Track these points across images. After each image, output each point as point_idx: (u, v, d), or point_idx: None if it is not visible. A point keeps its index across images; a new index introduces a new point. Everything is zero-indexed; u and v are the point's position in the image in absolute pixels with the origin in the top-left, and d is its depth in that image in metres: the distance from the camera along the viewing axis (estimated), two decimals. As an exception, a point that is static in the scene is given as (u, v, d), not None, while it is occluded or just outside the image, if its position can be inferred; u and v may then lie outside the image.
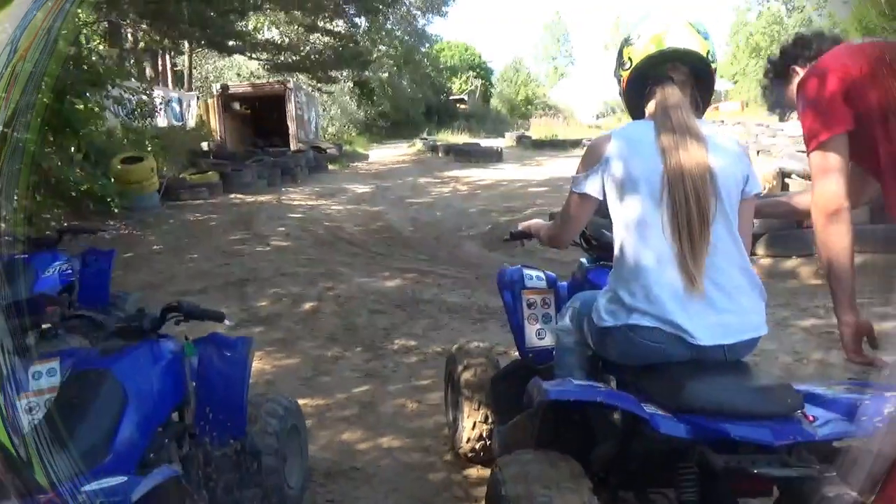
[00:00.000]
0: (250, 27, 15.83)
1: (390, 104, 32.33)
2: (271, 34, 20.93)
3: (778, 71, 2.14)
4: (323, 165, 16.88)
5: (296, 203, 11.32)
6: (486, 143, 22.23)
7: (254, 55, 15.04)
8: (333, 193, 12.68)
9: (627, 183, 1.72)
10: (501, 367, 2.81)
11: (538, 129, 30.08)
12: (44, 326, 2.27)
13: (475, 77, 42.16)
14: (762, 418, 1.54)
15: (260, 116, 21.00)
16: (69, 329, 2.53)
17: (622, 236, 1.76)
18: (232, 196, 11.46)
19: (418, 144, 24.00)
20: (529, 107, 44.05)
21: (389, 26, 30.46)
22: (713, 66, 1.82)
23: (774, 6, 40.90)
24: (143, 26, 9.51)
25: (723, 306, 1.66)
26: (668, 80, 1.78)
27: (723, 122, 29.58)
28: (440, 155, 20.54)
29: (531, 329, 2.57)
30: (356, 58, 16.52)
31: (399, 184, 14.33)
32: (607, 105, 43.94)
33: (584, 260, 2.67)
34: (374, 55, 23.01)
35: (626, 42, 1.85)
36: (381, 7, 18.22)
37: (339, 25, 20.28)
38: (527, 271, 2.67)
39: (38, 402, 1.80)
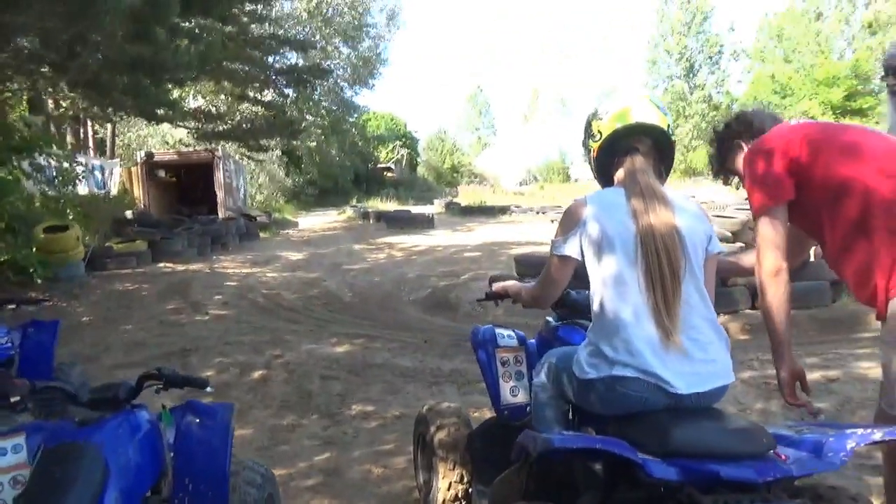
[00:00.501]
0: (175, 95, 15.76)
1: (318, 172, 32.50)
2: (197, 103, 20.92)
3: (723, 143, 2.42)
4: (254, 233, 16.68)
5: (230, 271, 11.09)
6: (415, 209, 22.59)
7: (183, 124, 14.90)
8: (267, 261, 12.52)
9: (604, 243, 1.88)
10: (476, 426, 2.86)
11: (466, 195, 30.90)
12: (13, 400, 2.18)
13: (401, 146, 43.05)
14: (742, 458, 1.68)
15: (186, 184, 20.67)
16: (41, 403, 2.42)
17: (601, 293, 1.90)
18: (161, 265, 11.12)
19: (349, 211, 24.12)
20: (456, 175, 45.23)
21: (317, 97, 31.00)
22: (672, 138, 2.06)
23: (678, 84, 44.20)
24: (72, 94, 9.32)
25: (696, 357, 1.81)
26: (634, 150, 1.99)
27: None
28: (371, 222, 20.70)
29: (505, 386, 2.66)
30: (288, 127, 16.66)
31: (333, 250, 14.31)
32: (530, 173, 45.76)
33: (550, 319, 2.81)
34: (304, 124, 23.25)
35: (595, 116, 2.06)
36: (311, 80, 18.56)
37: (268, 95, 20.52)
38: (498, 330, 2.78)
39: (2, 481, 1.73)
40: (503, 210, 22.20)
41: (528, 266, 8.50)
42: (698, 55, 44.03)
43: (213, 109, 19.44)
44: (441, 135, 50.53)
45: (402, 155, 42.79)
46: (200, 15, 8.57)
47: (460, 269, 11.15)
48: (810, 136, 2.10)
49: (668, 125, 2.02)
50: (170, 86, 9.79)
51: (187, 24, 8.67)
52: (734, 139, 2.36)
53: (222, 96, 20.79)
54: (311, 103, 30.15)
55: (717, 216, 12.00)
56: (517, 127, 66.68)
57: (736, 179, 2.48)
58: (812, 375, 4.45)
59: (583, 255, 1.94)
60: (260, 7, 13.03)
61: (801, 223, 2.18)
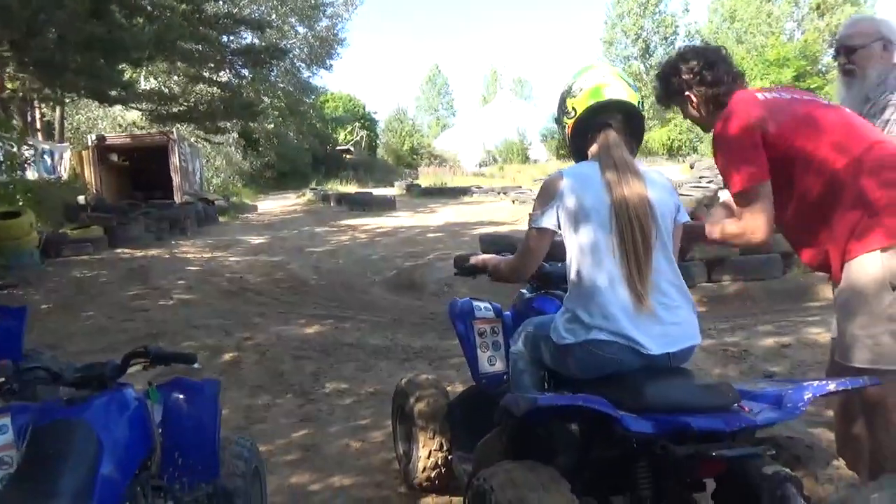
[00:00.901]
0: (128, 76, 15.32)
1: (276, 155, 31.95)
2: (149, 84, 20.35)
3: (669, 86, 2.41)
4: (212, 217, 16.42)
5: (190, 256, 10.93)
6: (377, 192, 22.50)
7: (137, 105, 14.51)
8: (228, 245, 12.37)
9: (580, 214, 1.98)
10: (458, 395, 2.95)
11: (427, 177, 30.85)
12: (-1, 381, 2.17)
13: (360, 128, 42.63)
14: (710, 411, 1.81)
15: (139, 168, 20.14)
16: (24, 384, 2.42)
17: (577, 262, 2.00)
18: (119, 251, 10.88)
19: (308, 194, 23.86)
20: (415, 157, 45.04)
21: (273, 78, 30.43)
22: (642, 113, 2.15)
23: (634, 64, 44.79)
24: (22, 75, 8.99)
25: (666, 319, 1.93)
26: (607, 126, 2.08)
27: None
28: (332, 204, 20.55)
29: (483, 356, 2.76)
30: (246, 108, 16.36)
31: (295, 234, 14.21)
32: (489, 154, 45.86)
33: (524, 291, 2.91)
34: (261, 106, 22.85)
35: (569, 93, 2.13)
36: (268, 60, 18.22)
37: (224, 76, 20.07)
38: (475, 303, 2.87)
39: (-8, 461, 1.74)
40: (464, 191, 22.26)
41: (492, 245, 8.62)
42: (654, 36, 44.67)
43: (167, 91, 18.97)
44: (400, 116, 50.24)
45: (361, 136, 42.38)
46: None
47: (424, 250, 11.23)
48: (778, 107, 2.21)
49: (639, 101, 2.12)
50: (124, 66, 9.51)
51: (143, 1, 8.44)
52: (684, 91, 2.36)
53: (175, 77, 20.29)
54: (267, 84, 29.61)
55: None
56: (476, 108, 66.71)
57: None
58: (766, 342, 4.71)
59: (559, 227, 2.04)
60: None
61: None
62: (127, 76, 12.54)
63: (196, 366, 2.32)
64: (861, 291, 2.06)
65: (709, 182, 11.34)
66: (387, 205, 19.03)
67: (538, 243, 2.13)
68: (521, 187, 22.02)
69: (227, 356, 5.17)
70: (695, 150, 38.23)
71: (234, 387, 4.56)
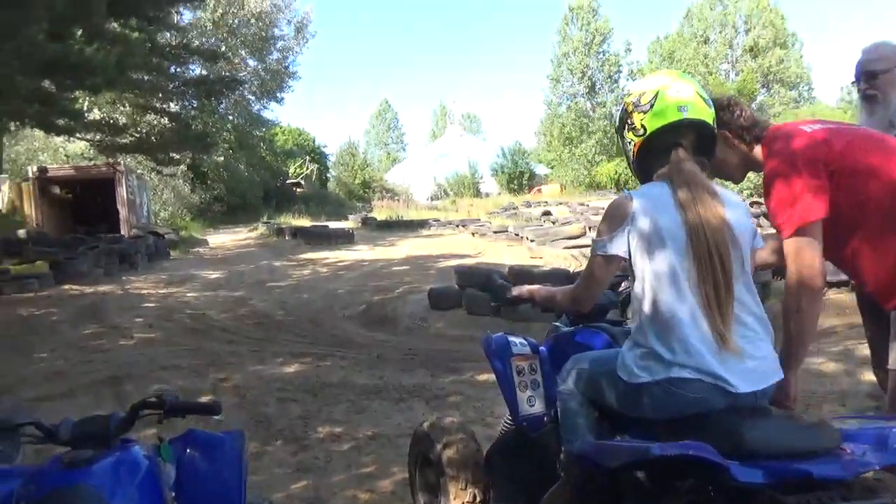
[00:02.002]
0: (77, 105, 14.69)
1: (226, 188, 31.21)
2: (92, 115, 19.61)
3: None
4: (163, 252, 15.75)
5: (145, 292, 10.36)
6: (333, 225, 22.14)
7: (83, 136, 13.88)
8: (184, 280, 11.82)
9: (655, 238, 1.79)
10: (496, 441, 2.72)
11: (381, 211, 30.63)
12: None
13: (311, 161, 42.20)
14: (816, 456, 1.64)
15: (82, 202, 19.28)
16: (10, 443, 2.06)
17: (653, 291, 1.81)
18: (67, 287, 10.24)
19: (261, 228, 23.29)
20: (367, 190, 44.81)
21: (223, 110, 29.89)
22: (716, 131, 1.99)
23: (581, 101, 46.03)
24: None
25: (750, 354, 1.76)
26: (678, 146, 1.92)
27: (547, 202, 32.40)
28: (287, 238, 20.06)
29: (523, 397, 2.54)
30: (200, 140, 15.88)
31: (253, 268, 13.72)
32: (440, 188, 46.04)
33: (559, 324, 2.72)
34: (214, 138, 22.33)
35: (637, 106, 1.93)
36: (222, 91, 17.85)
37: (174, 107, 19.52)
38: (511, 338, 2.66)
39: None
40: (422, 224, 22.12)
41: (468, 278, 8.46)
42: (599, 74, 46.04)
43: (114, 121, 18.27)
44: (351, 149, 49.94)
45: (312, 170, 41.93)
46: (130, 14, 7.98)
47: (392, 284, 10.97)
48: (835, 133, 2.12)
49: (713, 118, 1.96)
50: (77, 94, 9.05)
51: (109, 26, 8.05)
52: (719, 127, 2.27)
53: (122, 107, 19.61)
54: (216, 116, 29.06)
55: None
56: (426, 142, 67.19)
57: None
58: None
59: (630, 253, 1.86)
60: (175, 12, 12.33)
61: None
62: (77, 105, 11.99)
63: (219, 417, 2.03)
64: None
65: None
66: (345, 238, 18.69)
67: (604, 271, 1.95)
68: (479, 220, 22.03)
69: (202, 399, 4.77)
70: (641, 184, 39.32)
71: (213, 427, 4.18)
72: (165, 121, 17.97)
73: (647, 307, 1.84)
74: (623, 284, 2.58)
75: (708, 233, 1.76)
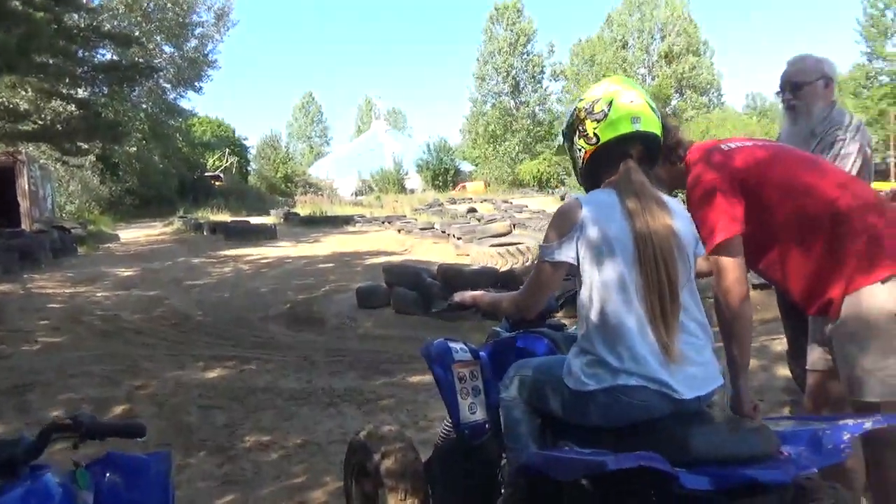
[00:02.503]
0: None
1: (138, 180, 29.73)
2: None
3: None
4: (70, 248, 14.80)
5: (50, 291, 9.69)
6: (254, 220, 21.48)
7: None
8: (93, 279, 11.13)
9: (604, 247, 1.79)
10: (435, 449, 2.65)
11: (305, 206, 30.02)
12: None
13: (231, 154, 40.82)
14: (757, 460, 1.68)
15: (-23, 193, 17.89)
16: None
17: (600, 299, 1.80)
18: (-41, 286, 9.44)
19: (177, 223, 22.32)
20: (290, 185, 43.79)
21: (135, 97, 28.42)
22: (661, 141, 2.01)
23: (505, 100, 46.68)
24: None
25: (694, 360, 1.79)
26: (628, 156, 1.92)
27: (472, 199, 32.68)
28: (206, 233, 19.32)
29: (464, 404, 2.49)
30: (111, 129, 14.99)
31: (169, 265, 13.10)
32: (365, 183, 45.61)
33: (499, 328, 2.70)
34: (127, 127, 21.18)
35: (590, 113, 1.91)
36: (136, 77, 16.95)
37: (82, 93, 18.37)
38: (451, 344, 2.60)
39: None
40: (347, 220, 21.81)
41: (397, 276, 8.37)
42: (523, 74, 46.85)
43: (14, 106, 17.00)
44: (273, 142, 48.64)
45: (232, 163, 40.59)
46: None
47: (317, 282, 10.73)
48: (757, 158, 2.21)
49: (661, 129, 1.97)
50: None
51: (10, 3, 7.40)
52: None
53: (23, 92, 18.27)
54: (128, 104, 27.60)
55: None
56: (350, 137, 66.37)
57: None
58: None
59: (577, 260, 1.85)
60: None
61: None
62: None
63: (142, 439, 1.86)
64: (870, 324, 2.05)
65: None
66: (267, 234, 18.17)
67: (552, 278, 1.93)
68: (405, 216, 21.94)
69: (117, 409, 4.48)
70: (562, 182, 40.32)
71: (133, 445, 3.92)
72: (72, 108, 16.87)
73: (594, 315, 1.83)
74: (563, 288, 2.57)
75: (655, 242, 1.77)
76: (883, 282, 2.03)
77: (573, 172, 2.12)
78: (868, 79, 30.79)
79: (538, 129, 45.75)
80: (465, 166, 48.97)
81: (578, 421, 1.93)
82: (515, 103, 46.86)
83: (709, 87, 48.09)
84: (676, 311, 1.77)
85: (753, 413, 2.03)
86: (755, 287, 6.07)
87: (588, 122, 1.92)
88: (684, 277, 1.82)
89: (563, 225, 1.86)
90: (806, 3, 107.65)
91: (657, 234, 1.78)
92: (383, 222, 20.74)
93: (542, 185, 41.23)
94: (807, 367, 2.54)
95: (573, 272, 1.93)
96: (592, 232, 1.81)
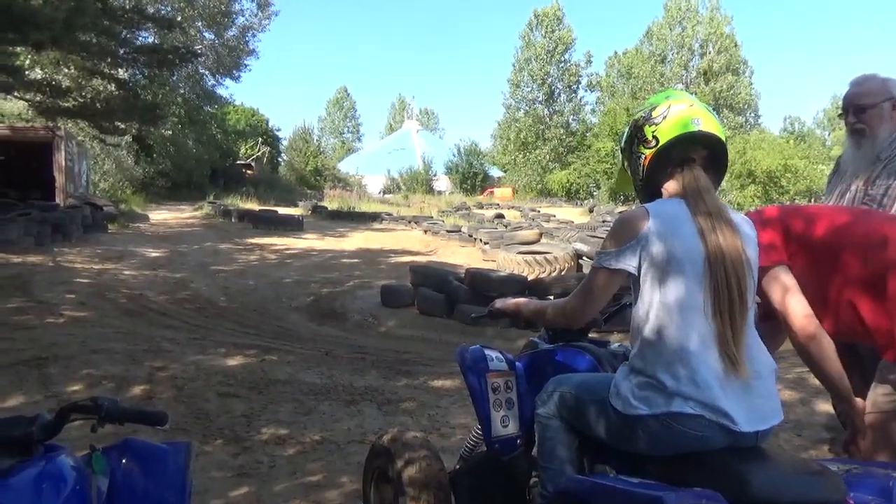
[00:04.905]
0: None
1: (172, 163, 30.05)
2: (34, 74, 18.49)
3: None
4: (100, 225, 14.96)
5: (78, 266, 9.76)
6: (282, 210, 21.56)
7: (23, 95, 13.03)
8: (121, 257, 11.22)
9: (672, 264, 1.68)
10: (462, 460, 2.54)
11: (333, 200, 30.11)
12: None
13: (263, 143, 41.14)
14: None
15: (16, 165, 18.17)
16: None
17: (660, 317, 1.69)
18: (-8, 255, 9.55)
19: (206, 208, 22.50)
20: (319, 178, 43.99)
21: (174, 82, 28.75)
22: (727, 150, 1.90)
23: (539, 108, 46.41)
24: None
25: (758, 390, 1.67)
26: (691, 161, 1.81)
27: (499, 204, 32.52)
28: (234, 220, 19.45)
29: (496, 416, 2.37)
30: (150, 110, 15.14)
31: (196, 249, 13.17)
32: (394, 182, 45.67)
33: (537, 339, 2.58)
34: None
35: (648, 120, 1.85)
36: (176, 61, 17.08)
37: (122, 74, 18.59)
38: (487, 352, 2.48)
39: None
40: (374, 217, 21.76)
41: (423, 277, 8.27)
42: (558, 83, 46.52)
43: (56, 82, 17.26)
44: (305, 135, 48.92)
45: (264, 153, 40.90)
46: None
47: (341, 277, 10.69)
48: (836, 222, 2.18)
49: (725, 136, 1.87)
50: (19, 49, 8.40)
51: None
52: None
53: (65, 69, 18.54)
54: (167, 88, 27.92)
55: (591, 236, 12.55)
56: (382, 134, 66.57)
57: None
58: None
59: (638, 271, 1.73)
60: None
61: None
62: (18, 61, 11.20)
63: (165, 427, 1.76)
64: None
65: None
66: (295, 225, 18.21)
67: (607, 286, 1.81)
68: (431, 217, 21.85)
69: (137, 389, 4.44)
70: (591, 194, 39.97)
71: (149, 428, 3.86)
72: (113, 87, 17.03)
73: (650, 333, 1.71)
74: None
75: (727, 264, 1.67)
76: None
77: (634, 190, 2.03)
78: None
79: (570, 138, 45.39)
80: (494, 171, 48.79)
81: (623, 446, 1.82)
82: (549, 111, 46.53)
83: (746, 107, 47.39)
84: (745, 331, 1.67)
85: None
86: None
87: (647, 127, 1.85)
88: (750, 302, 1.71)
89: (626, 233, 1.75)
90: (853, 20, 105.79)
91: (729, 256, 1.68)
92: (410, 222, 20.67)
93: (571, 195, 40.89)
94: (867, 408, 2.39)
95: (628, 284, 1.83)
96: (659, 246, 1.70)
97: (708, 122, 1.81)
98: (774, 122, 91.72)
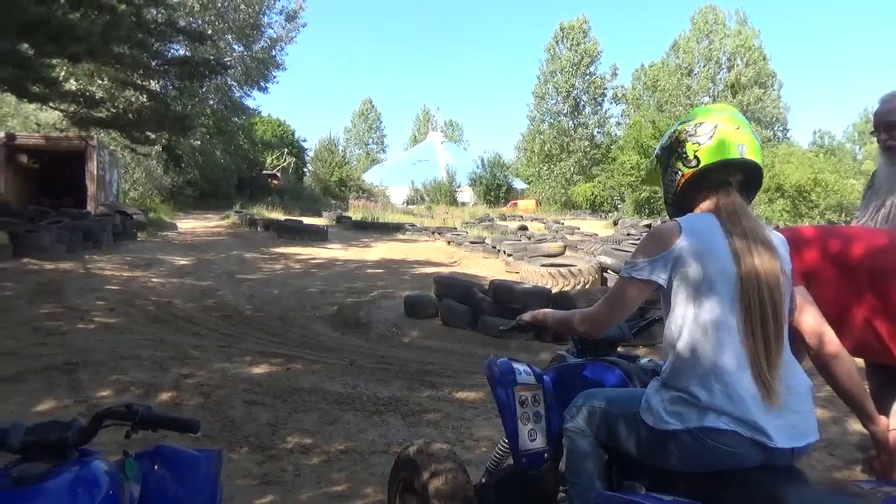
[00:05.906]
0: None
1: (200, 173, 30.52)
2: (69, 85, 18.95)
3: None
4: (130, 232, 15.22)
5: (108, 273, 9.93)
6: (307, 220, 21.75)
7: (58, 105, 13.36)
8: (150, 264, 11.39)
9: (705, 283, 1.66)
10: (488, 473, 2.52)
11: (357, 210, 30.31)
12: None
13: (289, 154, 41.64)
14: None
15: (50, 173, 18.63)
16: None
17: (693, 335, 1.67)
18: (26, 261, 9.75)
19: (233, 217, 22.79)
20: (343, 188, 44.36)
21: (203, 93, 29.23)
22: (762, 175, 1.87)
23: (563, 120, 46.32)
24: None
25: (793, 408, 1.64)
26: (728, 184, 1.79)
27: (522, 216, 32.44)
28: (259, 230, 19.66)
29: (524, 430, 2.36)
30: (180, 121, 15.42)
31: (223, 258, 13.32)
32: (418, 193, 45.85)
33: (564, 352, 2.56)
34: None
35: (691, 136, 1.80)
36: (207, 73, 17.39)
37: (154, 85, 18.97)
38: (515, 364, 2.47)
39: None
40: (398, 228, 21.85)
41: (447, 288, 8.27)
42: (584, 95, 46.42)
43: (90, 93, 17.67)
44: (331, 146, 49.44)
45: (290, 163, 41.40)
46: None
47: (365, 287, 10.72)
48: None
49: (762, 160, 1.84)
50: (55, 60, 8.64)
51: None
52: None
53: (99, 80, 18.99)
54: (196, 99, 28.40)
55: (616, 249, 12.44)
56: (406, 145, 66.92)
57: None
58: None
59: (669, 285, 1.71)
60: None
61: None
62: (54, 73, 11.50)
63: (196, 435, 1.78)
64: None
65: (637, 240, 11.53)
66: (319, 235, 18.35)
67: (635, 297, 1.79)
68: (455, 228, 21.87)
69: (164, 396, 4.49)
70: (615, 207, 39.70)
71: (176, 434, 3.90)
72: (144, 98, 17.42)
73: (683, 348, 1.70)
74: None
75: (762, 285, 1.65)
76: None
77: (663, 197, 2.00)
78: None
79: (595, 151, 45.20)
80: (518, 183, 48.74)
81: (654, 462, 1.79)
82: (573, 124, 46.44)
83: (774, 120, 46.82)
84: (780, 356, 1.64)
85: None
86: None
87: (689, 143, 1.80)
88: (786, 322, 1.69)
89: (658, 245, 1.74)
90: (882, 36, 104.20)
91: (765, 278, 1.65)
92: (433, 233, 20.71)
93: (595, 208, 40.67)
94: (890, 426, 2.33)
95: (657, 298, 1.81)
96: (691, 264, 1.68)
97: (752, 149, 1.77)
98: (804, 136, 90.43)
